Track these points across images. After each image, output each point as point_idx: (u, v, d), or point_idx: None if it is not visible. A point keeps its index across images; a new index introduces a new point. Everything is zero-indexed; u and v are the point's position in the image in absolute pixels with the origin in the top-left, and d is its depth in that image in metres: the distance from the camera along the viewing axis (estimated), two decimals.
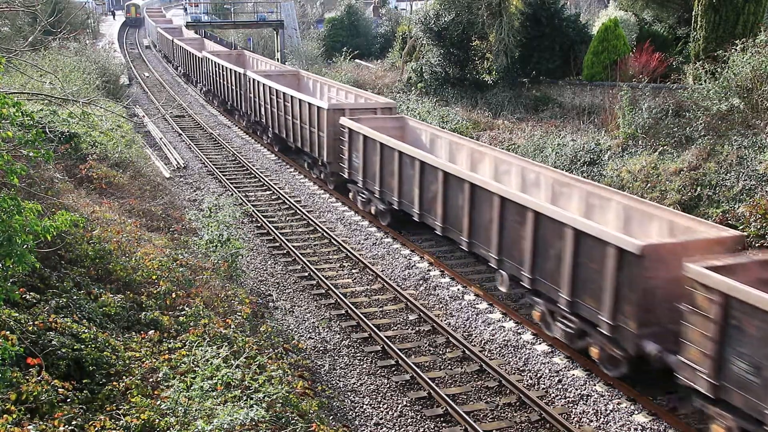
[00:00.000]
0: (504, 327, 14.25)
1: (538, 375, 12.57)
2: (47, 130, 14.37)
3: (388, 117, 22.20)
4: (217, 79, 36.90)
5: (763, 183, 17.33)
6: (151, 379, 8.39)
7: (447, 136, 19.93)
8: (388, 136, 19.07)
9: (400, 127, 21.56)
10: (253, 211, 21.26)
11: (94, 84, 30.22)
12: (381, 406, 11.71)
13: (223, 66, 35.29)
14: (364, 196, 20.67)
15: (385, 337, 13.72)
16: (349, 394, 12.03)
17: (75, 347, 8.27)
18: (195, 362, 8.70)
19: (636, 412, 11.34)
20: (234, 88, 33.37)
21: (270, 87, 27.76)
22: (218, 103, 38.90)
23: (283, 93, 26.29)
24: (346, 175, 21.37)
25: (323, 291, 16.07)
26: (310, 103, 23.80)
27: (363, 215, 20.92)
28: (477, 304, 15.31)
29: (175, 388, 7.90)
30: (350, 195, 21.86)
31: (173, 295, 11.20)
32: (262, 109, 29.21)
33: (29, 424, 6.67)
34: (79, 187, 16.79)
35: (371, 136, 19.40)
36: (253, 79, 29.88)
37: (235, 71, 32.93)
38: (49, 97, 14.41)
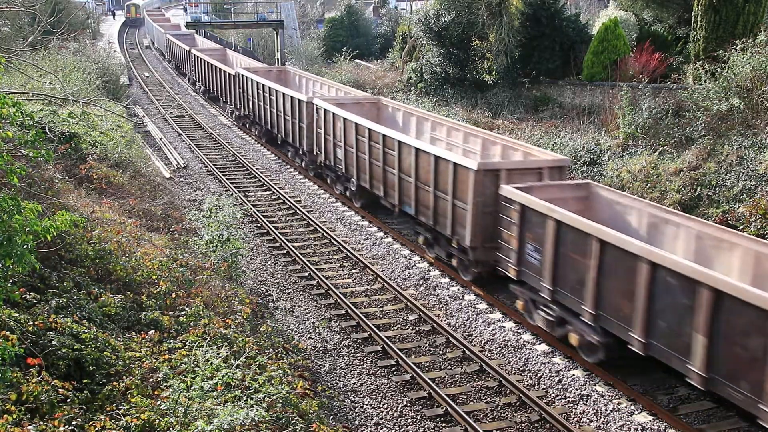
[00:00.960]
0: (504, 327, 14.24)
1: (539, 375, 12.57)
2: (47, 130, 14.41)
3: (566, 184, 14.93)
4: (261, 104, 29.47)
5: (763, 183, 17.34)
6: (151, 379, 8.38)
7: (680, 220, 12.77)
8: (612, 230, 11.89)
9: (583, 197, 14.59)
10: (253, 211, 21.26)
11: (94, 84, 30.20)
12: (381, 406, 11.71)
13: (271, 89, 27.89)
14: (551, 313, 13.35)
15: (385, 337, 13.72)
16: (349, 394, 12.03)
17: (75, 347, 8.26)
18: (195, 362, 8.70)
19: (636, 412, 11.34)
20: (289, 117, 26.16)
21: (358, 125, 20.40)
22: (260, 132, 30.90)
23: (383, 136, 18.95)
24: (510, 274, 14.31)
25: (323, 291, 16.07)
26: (438, 156, 16.31)
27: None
28: (477, 304, 15.31)
29: (175, 389, 7.90)
30: (518, 303, 14.41)
31: (173, 295, 11.20)
32: (339, 151, 21.95)
33: (29, 424, 6.66)
34: (79, 187, 16.77)
35: (576, 225, 12.30)
36: (327, 111, 22.56)
37: (295, 99, 25.34)
38: (49, 97, 14.41)
